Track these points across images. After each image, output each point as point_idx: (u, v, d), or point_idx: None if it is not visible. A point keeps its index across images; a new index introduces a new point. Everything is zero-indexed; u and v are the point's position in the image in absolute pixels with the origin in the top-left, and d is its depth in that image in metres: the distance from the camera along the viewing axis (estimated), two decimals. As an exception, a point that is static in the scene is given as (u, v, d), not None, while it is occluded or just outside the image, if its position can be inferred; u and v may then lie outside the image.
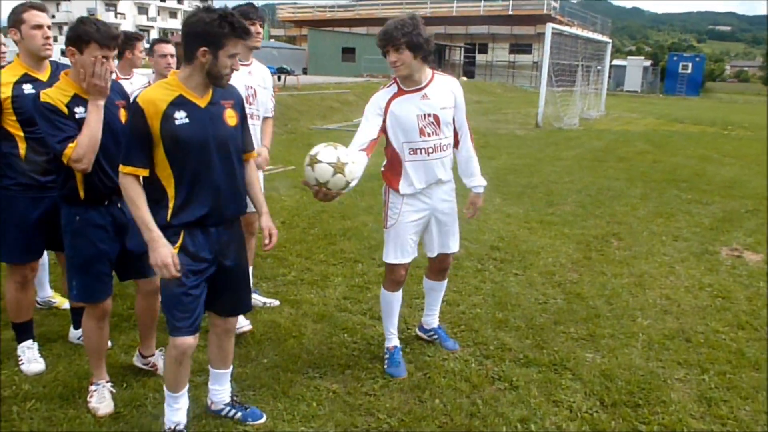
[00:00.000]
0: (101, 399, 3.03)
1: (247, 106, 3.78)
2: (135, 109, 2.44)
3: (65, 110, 2.75)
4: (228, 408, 2.97)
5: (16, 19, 3.07)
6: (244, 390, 3.23)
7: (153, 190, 2.53)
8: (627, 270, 5.33)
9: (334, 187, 2.84)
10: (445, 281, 3.84)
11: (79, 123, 2.75)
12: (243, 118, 2.72)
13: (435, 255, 3.60)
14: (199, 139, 2.49)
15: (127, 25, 74.53)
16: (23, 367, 3.35)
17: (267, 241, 2.78)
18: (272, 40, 49.15)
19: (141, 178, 2.50)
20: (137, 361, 3.43)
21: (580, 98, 20.93)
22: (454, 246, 3.63)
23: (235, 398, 3.03)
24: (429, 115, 3.26)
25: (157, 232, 2.46)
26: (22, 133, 3.11)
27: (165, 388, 2.77)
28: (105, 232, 2.93)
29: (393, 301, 3.56)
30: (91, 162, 2.75)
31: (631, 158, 11.99)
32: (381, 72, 34.15)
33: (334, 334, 3.94)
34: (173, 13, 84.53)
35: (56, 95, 2.76)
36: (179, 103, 2.47)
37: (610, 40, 28.00)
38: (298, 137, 13.91)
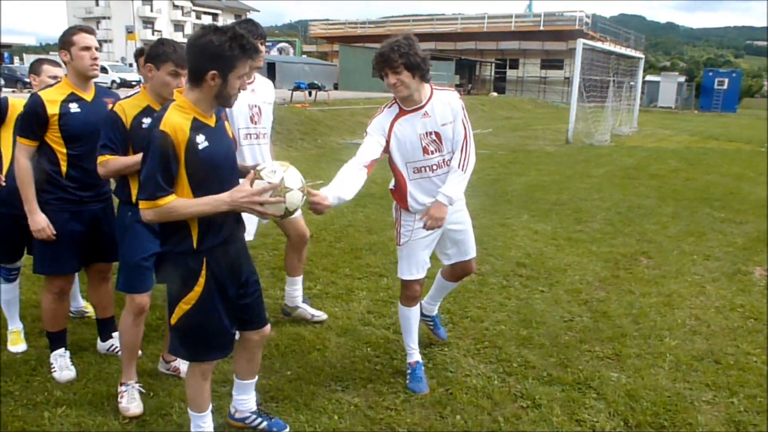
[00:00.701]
0: (131, 399, 3.14)
1: (252, 126, 3.90)
2: (163, 139, 2.33)
3: (128, 123, 3.01)
4: (254, 416, 3.01)
5: (66, 41, 3.23)
6: (267, 402, 3.28)
7: (175, 223, 2.44)
8: (656, 289, 5.25)
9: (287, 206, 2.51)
10: (457, 283, 3.93)
11: (141, 134, 2.89)
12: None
13: (453, 263, 3.67)
14: (219, 161, 2.50)
15: (163, 42, 76.06)
16: (55, 375, 3.45)
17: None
18: (304, 56, 49.84)
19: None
20: (161, 367, 3.55)
21: (612, 114, 20.73)
22: (472, 252, 3.67)
23: (260, 407, 3.07)
24: (431, 133, 3.29)
25: (225, 193, 2.43)
26: (64, 150, 3.25)
27: (189, 410, 2.76)
28: (151, 231, 3.07)
29: (411, 317, 3.58)
30: (108, 176, 3.14)
31: (663, 176, 11.82)
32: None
33: (357, 348, 3.97)
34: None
35: (128, 107, 3.04)
36: (197, 127, 2.42)
37: (643, 56, 27.73)
38: (327, 152, 14.06)
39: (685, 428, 3.16)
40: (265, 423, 2.99)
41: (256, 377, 3.03)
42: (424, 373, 3.57)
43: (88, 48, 3.23)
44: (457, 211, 3.51)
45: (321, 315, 4.43)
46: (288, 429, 3.02)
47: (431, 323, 4.05)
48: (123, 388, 3.18)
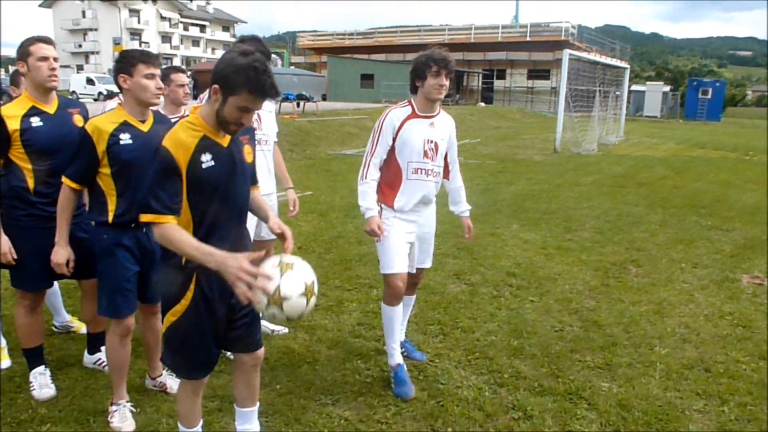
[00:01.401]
0: (123, 418, 3.10)
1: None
2: (165, 155, 2.26)
3: (104, 140, 2.89)
4: None
5: (23, 52, 3.13)
6: (257, 417, 3.22)
7: None
8: (645, 297, 5.26)
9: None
10: (415, 295, 4.05)
11: (119, 151, 2.91)
12: (254, 152, 2.68)
13: (413, 270, 3.77)
14: (223, 182, 2.39)
15: (151, 53, 75.93)
16: (34, 393, 3.36)
17: (284, 244, 2.51)
18: (293, 68, 49.88)
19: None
20: (148, 383, 3.51)
21: (599, 123, 20.89)
22: (429, 262, 3.87)
23: None
24: (432, 141, 3.56)
25: (218, 253, 2.19)
26: (30, 166, 3.14)
27: (180, 425, 2.70)
28: (130, 252, 3.03)
29: (394, 317, 3.61)
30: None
31: (651, 184, 11.90)
32: (399, 98, 34.35)
33: (347, 360, 3.93)
34: (196, 42, 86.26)
35: (102, 124, 2.93)
36: (205, 145, 2.34)
37: (628, 66, 28.00)
38: (316, 162, 14.04)
39: (678, 437, 3.15)
40: None
41: (257, 404, 2.87)
42: (407, 374, 3.58)
43: (45, 58, 3.12)
44: (430, 218, 3.77)
45: (281, 329, 4.36)
46: None
47: (403, 350, 3.93)
48: (114, 407, 3.13)
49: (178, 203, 2.30)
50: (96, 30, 75.84)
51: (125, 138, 2.93)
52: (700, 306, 5.09)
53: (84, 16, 76.18)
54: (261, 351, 2.78)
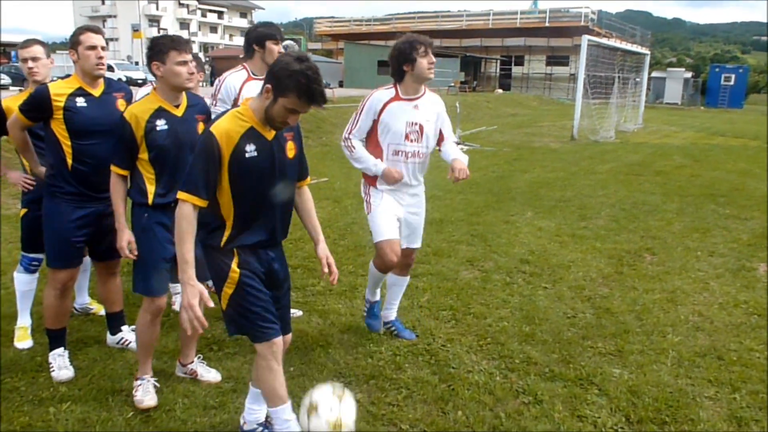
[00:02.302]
0: (146, 392, 3.19)
1: None
2: (209, 140, 2.45)
3: (141, 127, 3.01)
4: (261, 428, 2.93)
5: (74, 41, 3.28)
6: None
7: (211, 216, 2.57)
8: (659, 285, 5.25)
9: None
10: (408, 277, 4.15)
11: (156, 136, 3.03)
12: (301, 148, 2.78)
13: (402, 247, 3.84)
14: (264, 172, 2.55)
15: (169, 40, 76.34)
16: (53, 374, 3.45)
17: (326, 270, 2.75)
18: (309, 54, 49.82)
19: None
20: (179, 371, 3.54)
21: (617, 111, 20.67)
22: (418, 242, 3.98)
23: (268, 419, 2.93)
24: (416, 123, 3.67)
25: (192, 273, 2.44)
26: (69, 143, 3.28)
27: (268, 408, 2.75)
28: (170, 233, 3.06)
29: (380, 278, 3.89)
30: None
31: (668, 172, 11.79)
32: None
33: (360, 344, 3.98)
34: (213, 28, 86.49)
35: (139, 112, 3.04)
36: (251, 135, 2.50)
37: (648, 52, 27.60)
38: (332, 149, 14.06)
39: (687, 424, 3.16)
40: None
41: None
42: (380, 310, 3.92)
43: (93, 47, 3.26)
44: (416, 195, 3.85)
45: (296, 312, 4.42)
46: None
47: (393, 328, 4.11)
48: (138, 381, 3.23)
49: (208, 188, 2.47)
50: (115, 17, 76.38)
51: (161, 124, 3.05)
52: (715, 294, 5.07)
53: (103, 3, 76.77)
54: (289, 336, 2.92)
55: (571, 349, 3.98)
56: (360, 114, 3.70)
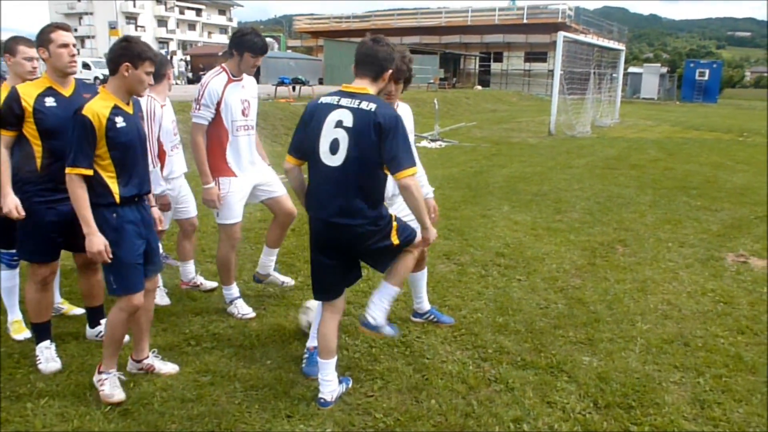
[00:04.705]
0: (114, 386, 3.20)
1: (242, 118, 4.17)
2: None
3: (104, 126, 2.99)
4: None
5: (44, 39, 3.27)
6: (247, 390, 3.35)
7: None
8: (630, 276, 5.38)
9: None
10: (425, 269, 4.22)
11: (117, 134, 3.02)
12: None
13: None
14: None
15: (147, 38, 75.60)
16: (41, 366, 3.49)
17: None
18: (289, 51, 49.66)
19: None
20: (132, 367, 3.51)
21: (593, 106, 20.91)
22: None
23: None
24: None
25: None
26: (40, 143, 3.30)
27: (318, 358, 3.29)
28: (138, 228, 3.15)
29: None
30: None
31: (643, 166, 11.99)
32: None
33: (337, 337, 4.04)
34: (192, 26, 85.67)
35: (99, 109, 3.00)
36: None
37: (623, 48, 27.93)
38: (311, 146, 14.08)
39: (653, 408, 3.27)
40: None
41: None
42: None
43: (65, 45, 3.27)
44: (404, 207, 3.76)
45: (289, 281, 4.93)
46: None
47: (432, 317, 4.28)
48: (104, 375, 3.22)
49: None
50: (91, 14, 75.34)
51: (120, 121, 3.04)
52: (684, 284, 5.21)
53: (79, 0, 75.58)
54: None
55: (542, 338, 4.08)
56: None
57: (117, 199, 3.08)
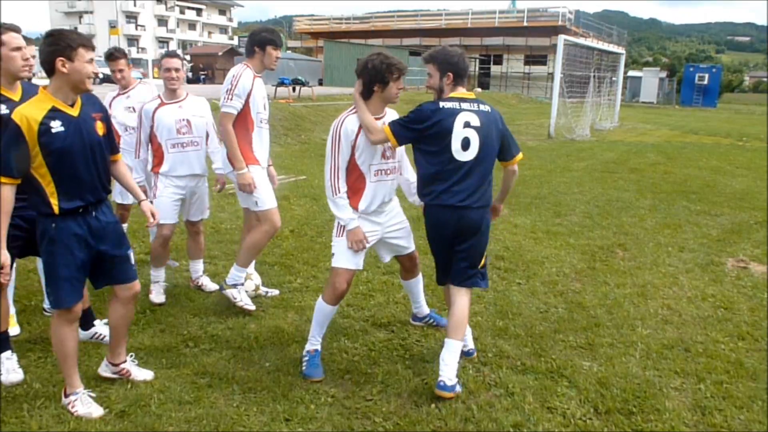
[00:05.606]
0: (87, 404, 3.08)
1: (264, 112, 4.34)
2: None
3: (35, 130, 2.76)
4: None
5: None
6: (245, 392, 3.33)
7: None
8: (630, 280, 5.36)
9: None
10: (420, 275, 4.16)
11: (50, 139, 2.79)
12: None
13: (388, 260, 3.96)
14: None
15: (147, 37, 75.63)
16: (2, 378, 3.32)
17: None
18: (289, 52, 49.61)
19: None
20: (105, 372, 3.40)
21: (592, 109, 20.92)
22: (411, 245, 3.93)
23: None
24: (386, 140, 3.53)
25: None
26: None
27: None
28: (79, 239, 2.95)
29: (329, 314, 3.68)
30: None
31: (643, 170, 11.99)
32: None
33: (335, 340, 4.02)
34: (192, 25, 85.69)
35: (30, 113, 2.78)
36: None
37: (623, 51, 27.96)
38: (311, 147, 14.08)
39: (653, 414, 3.25)
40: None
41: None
42: (320, 361, 3.63)
43: (18, 48, 3.13)
44: (395, 213, 3.81)
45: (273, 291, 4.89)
46: None
47: (431, 320, 4.28)
48: (72, 397, 3.09)
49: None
50: (92, 13, 75.34)
51: (56, 125, 2.81)
52: (684, 288, 5.20)
53: (79, -1, 75.54)
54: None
55: (542, 342, 4.06)
56: (336, 146, 3.50)
57: (55, 210, 2.87)
